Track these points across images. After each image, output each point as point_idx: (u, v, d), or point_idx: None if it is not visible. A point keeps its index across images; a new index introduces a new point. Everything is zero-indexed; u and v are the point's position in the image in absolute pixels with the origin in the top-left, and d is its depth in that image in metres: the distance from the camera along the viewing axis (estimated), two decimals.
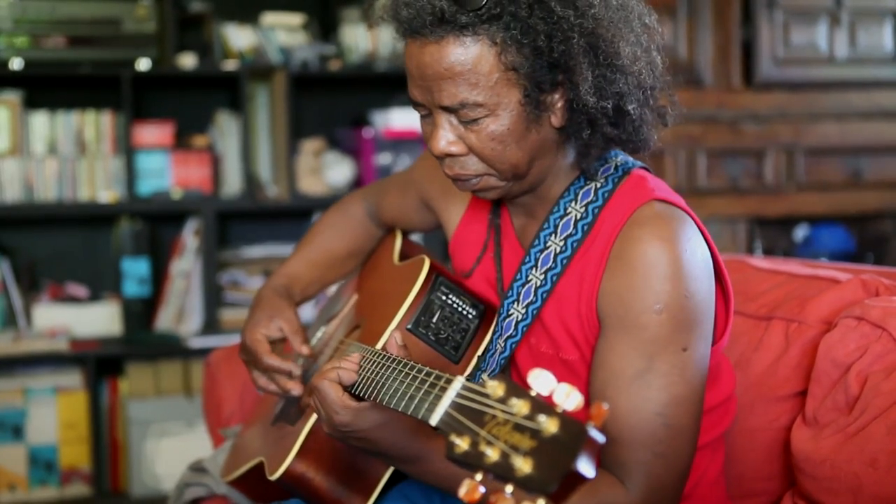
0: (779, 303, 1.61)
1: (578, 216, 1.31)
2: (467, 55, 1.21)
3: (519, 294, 1.34)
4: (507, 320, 1.35)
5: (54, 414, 3.21)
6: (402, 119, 3.39)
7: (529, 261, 1.34)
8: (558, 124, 1.27)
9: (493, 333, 1.37)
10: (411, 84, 1.28)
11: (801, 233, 3.86)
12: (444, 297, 1.39)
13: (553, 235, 1.33)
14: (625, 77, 1.24)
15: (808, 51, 3.69)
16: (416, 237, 1.71)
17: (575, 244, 1.31)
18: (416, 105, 1.29)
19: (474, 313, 1.40)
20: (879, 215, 3.81)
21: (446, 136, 1.26)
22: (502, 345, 1.35)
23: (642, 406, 1.22)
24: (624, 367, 1.23)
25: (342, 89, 3.64)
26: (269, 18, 3.43)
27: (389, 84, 3.52)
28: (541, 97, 1.23)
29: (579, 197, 1.32)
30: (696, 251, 1.26)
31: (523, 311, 1.33)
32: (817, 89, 3.71)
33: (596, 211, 1.31)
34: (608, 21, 1.23)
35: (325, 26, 3.59)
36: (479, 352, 1.38)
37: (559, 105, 1.25)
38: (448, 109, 1.24)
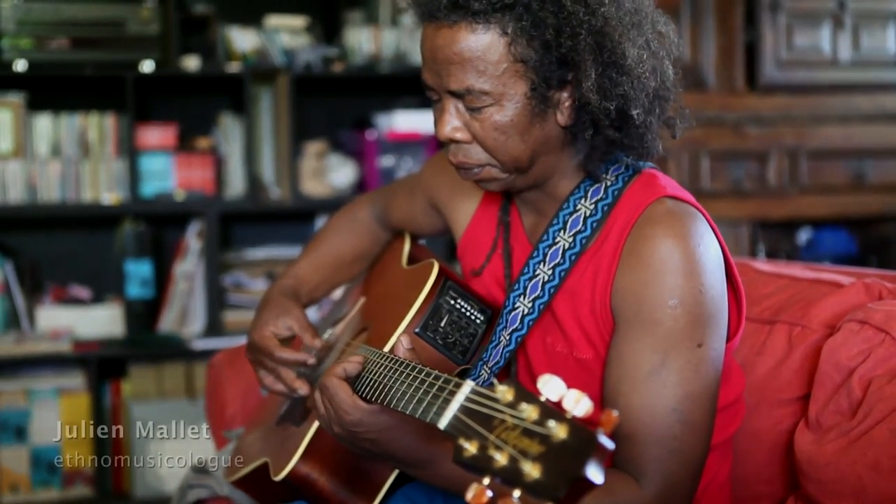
0: (782, 306, 1.61)
1: (588, 213, 1.32)
2: (477, 42, 1.23)
3: (526, 288, 1.35)
4: (513, 314, 1.35)
5: (57, 415, 3.21)
6: (406, 121, 3.40)
7: (537, 255, 1.35)
8: (564, 123, 1.28)
9: (497, 325, 1.37)
10: (424, 68, 1.30)
11: (804, 236, 3.86)
12: (452, 302, 1.40)
13: (562, 231, 1.33)
14: (630, 80, 1.24)
15: (812, 53, 3.69)
16: (421, 241, 1.72)
17: (584, 240, 1.31)
18: (427, 89, 1.31)
19: (482, 318, 1.40)
20: (883, 218, 3.81)
21: (452, 122, 1.28)
22: (507, 338, 1.35)
23: (657, 402, 1.22)
24: (639, 363, 1.23)
25: (345, 91, 3.64)
26: (273, 20, 3.44)
27: (393, 86, 3.52)
28: (548, 93, 1.25)
29: (589, 194, 1.33)
30: (709, 247, 1.27)
31: (530, 304, 1.34)
32: (821, 92, 3.71)
33: (606, 208, 1.31)
34: (617, 21, 1.24)
35: (328, 28, 3.60)
36: None
37: (567, 104, 1.26)
38: (455, 94, 1.27)
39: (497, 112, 1.25)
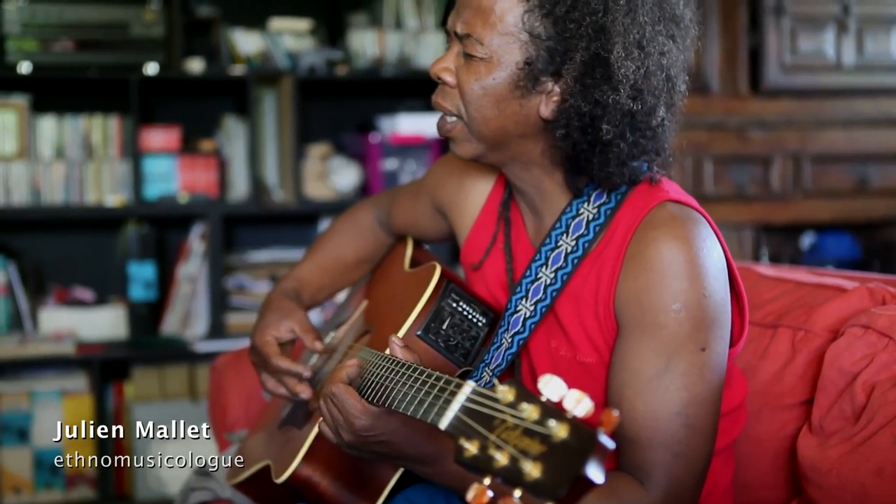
0: (785, 311, 1.61)
1: (590, 217, 1.32)
2: None
3: (528, 291, 1.35)
4: (515, 316, 1.35)
5: (60, 417, 3.21)
6: (409, 124, 3.40)
7: (540, 259, 1.35)
8: (545, 115, 1.28)
9: (499, 328, 1.37)
10: (452, 10, 1.34)
11: (807, 240, 3.86)
12: (454, 305, 1.40)
13: (565, 235, 1.33)
14: (610, 88, 1.24)
15: (816, 58, 3.69)
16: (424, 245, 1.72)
17: (586, 244, 1.32)
18: (447, 35, 1.35)
19: (484, 321, 1.40)
20: (886, 223, 3.80)
21: (446, 62, 1.33)
22: (509, 340, 1.35)
23: (661, 406, 1.22)
24: (642, 367, 1.23)
25: (349, 94, 3.64)
26: (277, 23, 3.44)
27: (396, 89, 3.52)
28: (540, 77, 1.26)
29: (592, 198, 1.33)
30: (712, 251, 1.27)
31: (532, 307, 1.34)
32: (824, 96, 3.70)
33: (608, 212, 1.32)
34: (623, 28, 1.23)
35: (332, 31, 3.60)
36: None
37: (554, 98, 1.27)
38: (459, 37, 1.30)
39: (485, 69, 1.27)
